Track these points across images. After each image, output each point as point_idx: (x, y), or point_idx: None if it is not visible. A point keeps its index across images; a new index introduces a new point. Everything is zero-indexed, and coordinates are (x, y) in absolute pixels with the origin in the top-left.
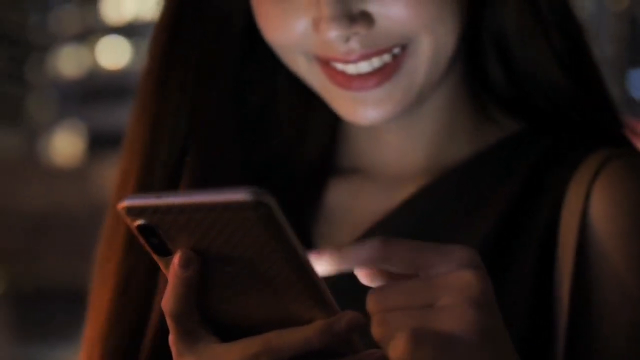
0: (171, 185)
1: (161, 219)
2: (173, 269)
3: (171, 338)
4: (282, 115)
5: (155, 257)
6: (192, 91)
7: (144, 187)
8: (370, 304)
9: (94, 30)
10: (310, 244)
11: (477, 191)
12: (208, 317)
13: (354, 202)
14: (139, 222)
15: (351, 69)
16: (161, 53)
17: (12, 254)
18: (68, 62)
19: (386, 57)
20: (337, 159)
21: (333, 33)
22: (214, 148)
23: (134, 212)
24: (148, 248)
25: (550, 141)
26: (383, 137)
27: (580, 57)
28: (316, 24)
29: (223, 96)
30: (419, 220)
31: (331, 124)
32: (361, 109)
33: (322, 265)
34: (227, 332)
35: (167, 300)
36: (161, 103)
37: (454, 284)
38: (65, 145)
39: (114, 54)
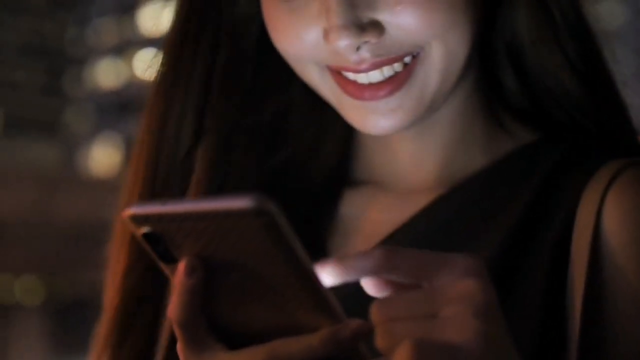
0: (175, 191)
1: (166, 226)
2: (178, 277)
3: (179, 346)
4: (297, 125)
5: (161, 264)
6: (199, 99)
7: (148, 193)
8: (374, 314)
9: (131, 42)
10: (325, 256)
11: (491, 201)
12: (215, 324)
13: (368, 213)
14: (144, 230)
15: (362, 78)
16: (170, 60)
17: (50, 264)
18: (106, 74)
19: (397, 67)
20: (352, 170)
21: (343, 42)
22: (228, 156)
23: (138, 220)
24: (154, 256)
25: (565, 151)
26: (396, 147)
27: (594, 65)
28: (326, 34)
29: (238, 104)
30: (434, 231)
31: (346, 135)
32: (373, 119)
33: (327, 276)
34: (235, 340)
35: (173, 308)
36: (166, 109)
37: (456, 293)
38: (103, 156)
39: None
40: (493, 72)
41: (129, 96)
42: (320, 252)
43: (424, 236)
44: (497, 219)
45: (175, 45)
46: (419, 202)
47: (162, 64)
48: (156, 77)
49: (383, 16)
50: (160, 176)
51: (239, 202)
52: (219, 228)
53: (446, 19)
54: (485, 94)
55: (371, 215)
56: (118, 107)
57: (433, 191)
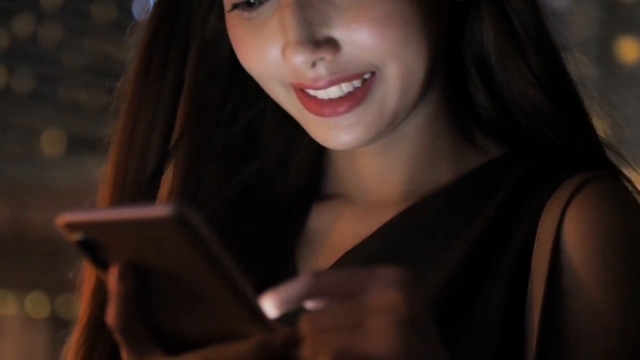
0: (143, 201)
1: (96, 234)
2: (111, 283)
3: (122, 351)
4: (268, 138)
5: (97, 271)
6: (167, 114)
7: (115, 201)
8: (303, 326)
9: None
10: (294, 267)
11: (455, 215)
12: (159, 331)
13: (335, 227)
14: (77, 237)
15: (322, 94)
16: (138, 74)
17: None
18: None
19: (356, 83)
20: (323, 184)
21: (298, 58)
22: (199, 169)
23: (71, 227)
24: (90, 262)
25: (532, 165)
26: (363, 162)
27: (558, 80)
28: (283, 50)
29: (209, 118)
30: (396, 244)
31: (316, 149)
32: (334, 134)
33: (268, 309)
34: (176, 346)
35: (110, 314)
36: (134, 124)
37: (379, 305)
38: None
39: None
40: (464, 86)
41: None
42: (288, 264)
43: (385, 250)
44: (460, 233)
45: (143, 58)
46: (385, 216)
47: (131, 78)
48: (126, 91)
49: (338, 33)
50: (126, 193)
51: (160, 211)
52: (144, 236)
53: (402, 36)
54: (454, 108)
55: (338, 229)
56: None
57: (400, 205)
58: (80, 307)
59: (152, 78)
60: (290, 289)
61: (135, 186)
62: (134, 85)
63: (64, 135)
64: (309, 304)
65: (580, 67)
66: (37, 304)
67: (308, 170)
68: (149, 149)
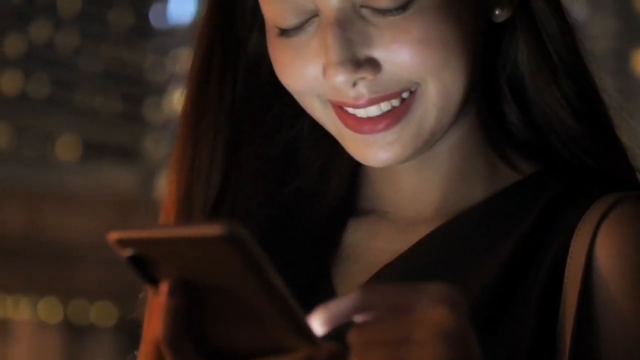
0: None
1: (147, 250)
2: (161, 299)
3: None
4: (306, 157)
5: (148, 286)
6: (226, 134)
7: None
8: (352, 337)
9: None
10: (329, 282)
11: (489, 232)
12: (205, 344)
13: (370, 243)
14: (129, 253)
15: (361, 112)
16: (195, 97)
17: (124, 287)
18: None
19: (395, 102)
20: (359, 200)
21: (340, 78)
22: (236, 188)
23: (123, 243)
24: (140, 277)
25: (564, 184)
26: (399, 179)
27: (590, 104)
28: (324, 70)
29: (249, 137)
30: (430, 261)
31: (352, 166)
32: (372, 151)
33: (318, 325)
34: (222, 359)
35: (160, 329)
36: (197, 146)
37: (426, 319)
38: None
39: None
40: (497, 105)
41: None
42: (325, 279)
43: (420, 266)
44: (492, 251)
45: (200, 79)
46: (420, 233)
47: (188, 101)
48: (182, 117)
49: (379, 53)
50: (194, 214)
51: (211, 229)
52: (194, 253)
53: (441, 56)
54: (488, 127)
55: (374, 244)
56: None
57: (434, 222)
58: (147, 328)
59: (210, 99)
60: (342, 304)
61: (202, 212)
62: (191, 107)
63: (79, 141)
64: (357, 317)
65: (598, 80)
66: (50, 309)
67: (344, 187)
68: (213, 172)
